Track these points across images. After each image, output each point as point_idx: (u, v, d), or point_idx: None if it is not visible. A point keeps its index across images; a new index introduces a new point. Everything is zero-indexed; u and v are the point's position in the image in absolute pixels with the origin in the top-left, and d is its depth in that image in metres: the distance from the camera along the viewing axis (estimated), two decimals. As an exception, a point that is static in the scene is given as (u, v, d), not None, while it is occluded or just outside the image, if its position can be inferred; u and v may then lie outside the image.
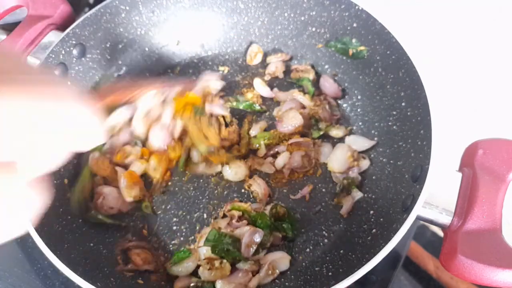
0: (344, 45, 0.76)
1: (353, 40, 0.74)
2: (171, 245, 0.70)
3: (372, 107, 0.76)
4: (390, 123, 0.71)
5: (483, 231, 0.52)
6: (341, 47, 0.77)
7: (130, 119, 0.64)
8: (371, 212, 0.66)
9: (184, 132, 0.69)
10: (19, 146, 0.27)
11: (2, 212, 0.28)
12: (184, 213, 0.72)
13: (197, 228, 0.71)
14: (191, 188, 0.74)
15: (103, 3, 0.73)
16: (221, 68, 0.86)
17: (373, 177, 0.71)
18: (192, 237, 0.70)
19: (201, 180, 0.75)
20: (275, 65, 0.82)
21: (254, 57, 0.84)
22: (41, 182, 0.31)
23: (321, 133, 0.76)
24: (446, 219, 0.55)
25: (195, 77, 0.85)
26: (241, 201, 0.71)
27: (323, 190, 0.73)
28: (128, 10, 0.77)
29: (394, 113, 0.70)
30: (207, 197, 0.73)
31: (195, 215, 0.72)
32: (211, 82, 0.73)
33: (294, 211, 0.71)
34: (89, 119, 0.31)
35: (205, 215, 0.72)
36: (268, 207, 0.69)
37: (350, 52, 0.75)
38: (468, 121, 0.92)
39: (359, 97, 0.78)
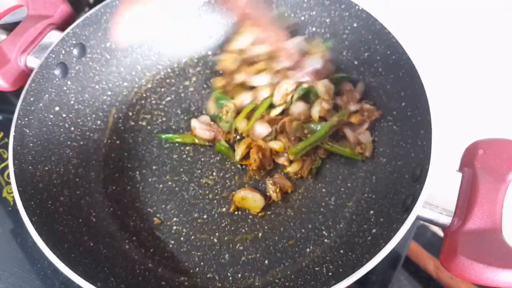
0: None
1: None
2: (170, 245, 0.70)
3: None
4: (390, 123, 0.71)
5: (483, 231, 0.52)
6: None
7: None
8: (371, 212, 0.66)
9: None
10: None
11: None
12: (184, 213, 0.72)
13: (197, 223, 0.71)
14: (191, 188, 0.74)
15: (103, 3, 0.73)
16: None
17: (373, 177, 0.71)
18: (193, 237, 0.70)
19: (202, 181, 0.75)
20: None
21: None
22: None
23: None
24: (446, 219, 0.55)
25: (196, 77, 0.85)
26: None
27: (323, 190, 0.73)
28: (128, 10, 0.77)
29: (394, 113, 0.70)
30: (207, 198, 0.73)
31: (195, 215, 0.72)
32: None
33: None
34: None
35: (205, 216, 0.72)
36: None
37: None
38: (468, 121, 0.92)
39: (359, 97, 0.78)
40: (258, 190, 0.72)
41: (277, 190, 0.71)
